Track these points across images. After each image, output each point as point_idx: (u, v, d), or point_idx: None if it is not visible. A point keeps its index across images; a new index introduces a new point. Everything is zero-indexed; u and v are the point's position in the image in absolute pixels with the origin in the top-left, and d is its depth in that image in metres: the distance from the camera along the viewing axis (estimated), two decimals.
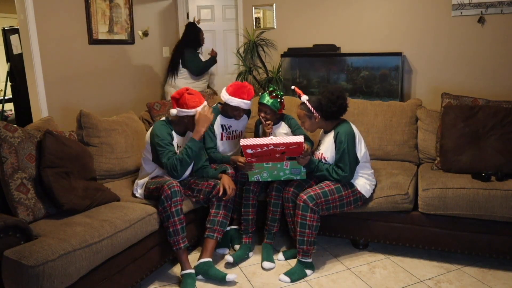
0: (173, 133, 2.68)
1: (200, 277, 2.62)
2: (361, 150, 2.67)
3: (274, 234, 2.88)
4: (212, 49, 4.76)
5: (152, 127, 2.68)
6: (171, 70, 4.63)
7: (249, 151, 2.59)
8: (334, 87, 2.71)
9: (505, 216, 2.53)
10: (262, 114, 2.95)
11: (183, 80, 4.58)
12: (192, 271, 2.55)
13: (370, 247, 3.01)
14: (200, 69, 4.64)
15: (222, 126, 3.09)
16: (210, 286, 2.57)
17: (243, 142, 2.55)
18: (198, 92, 2.70)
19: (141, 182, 2.74)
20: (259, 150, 2.57)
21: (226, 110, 3.03)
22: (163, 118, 2.73)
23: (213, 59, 4.69)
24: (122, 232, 2.27)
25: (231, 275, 2.57)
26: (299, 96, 2.73)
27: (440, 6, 3.82)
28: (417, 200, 2.75)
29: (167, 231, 2.51)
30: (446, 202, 2.62)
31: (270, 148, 2.55)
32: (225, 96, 2.93)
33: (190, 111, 2.59)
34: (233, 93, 2.91)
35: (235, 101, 2.90)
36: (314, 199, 2.57)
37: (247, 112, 3.21)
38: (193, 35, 4.59)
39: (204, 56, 4.76)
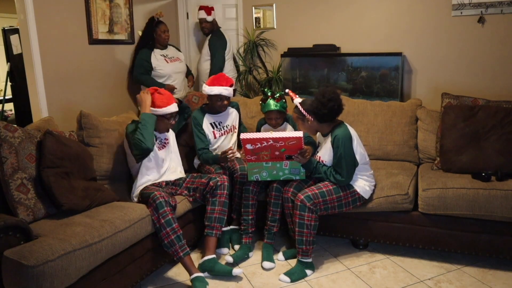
0: None
1: (206, 274, 2.63)
2: (360, 152, 2.67)
3: (274, 234, 2.88)
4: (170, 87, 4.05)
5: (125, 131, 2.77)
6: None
7: (248, 146, 2.60)
8: (326, 89, 2.64)
9: (505, 216, 2.53)
10: (273, 121, 2.99)
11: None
12: (201, 274, 2.53)
13: (370, 247, 3.01)
14: (134, 75, 4.11)
15: (211, 124, 3.13)
16: (211, 285, 2.56)
17: (243, 136, 2.59)
18: (168, 92, 2.83)
19: (135, 192, 2.73)
20: (259, 145, 2.59)
21: (211, 106, 3.10)
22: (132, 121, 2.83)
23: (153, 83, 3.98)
24: (122, 232, 2.27)
25: (237, 269, 2.60)
26: (292, 99, 2.75)
27: (440, 6, 3.82)
28: (417, 200, 2.75)
29: (162, 243, 2.48)
30: (446, 202, 2.62)
31: (269, 143, 2.57)
32: (205, 89, 3.03)
33: (156, 111, 2.70)
34: (211, 83, 3.01)
35: (215, 89, 2.98)
36: (311, 199, 2.57)
37: (235, 106, 3.24)
38: (146, 33, 4.12)
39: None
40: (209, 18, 4.50)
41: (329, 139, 2.66)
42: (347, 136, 2.61)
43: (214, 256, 2.67)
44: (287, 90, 2.87)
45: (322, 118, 2.63)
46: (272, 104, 2.93)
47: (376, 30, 4.13)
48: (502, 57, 3.67)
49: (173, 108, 2.75)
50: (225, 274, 2.60)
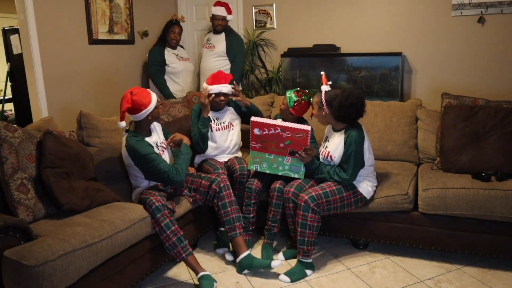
0: (146, 139, 2.65)
1: (246, 271, 2.66)
2: (367, 155, 2.67)
3: (274, 235, 2.87)
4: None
5: (128, 148, 2.59)
6: None
7: (256, 131, 2.65)
8: (353, 92, 2.61)
9: (505, 216, 2.53)
10: (281, 105, 2.99)
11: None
12: (207, 272, 2.54)
13: (370, 247, 3.01)
14: (149, 72, 4.21)
15: (209, 118, 3.13)
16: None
17: (254, 119, 2.66)
18: (137, 87, 2.64)
19: (134, 195, 2.73)
20: (266, 131, 2.63)
21: (211, 103, 3.09)
22: (127, 134, 2.65)
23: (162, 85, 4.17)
24: (122, 232, 2.27)
25: (275, 261, 2.62)
26: (321, 84, 2.73)
27: (440, 6, 3.82)
28: (417, 200, 2.75)
29: (164, 246, 2.48)
30: (446, 202, 2.62)
31: (277, 131, 2.62)
32: (204, 87, 3.06)
33: (150, 108, 2.59)
34: (211, 82, 3.04)
35: (215, 88, 3.01)
36: (315, 199, 2.57)
37: (234, 105, 3.24)
38: (162, 32, 4.27)
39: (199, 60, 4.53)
40: (230, 17, 4.30)
41: (342, 136, 2.65)
42: (361, 136, 2.62)
43: (248, 252, 2.68)
44: (322, 73, 2.79)
45: (338, 117, 2.63)
46: (291, 92, 2.90)
47: (376, 30, 4.13)
48: (502, 57, 3.67)
49: (155, 96, 2.65)
50: (265, 267, 2.63)
